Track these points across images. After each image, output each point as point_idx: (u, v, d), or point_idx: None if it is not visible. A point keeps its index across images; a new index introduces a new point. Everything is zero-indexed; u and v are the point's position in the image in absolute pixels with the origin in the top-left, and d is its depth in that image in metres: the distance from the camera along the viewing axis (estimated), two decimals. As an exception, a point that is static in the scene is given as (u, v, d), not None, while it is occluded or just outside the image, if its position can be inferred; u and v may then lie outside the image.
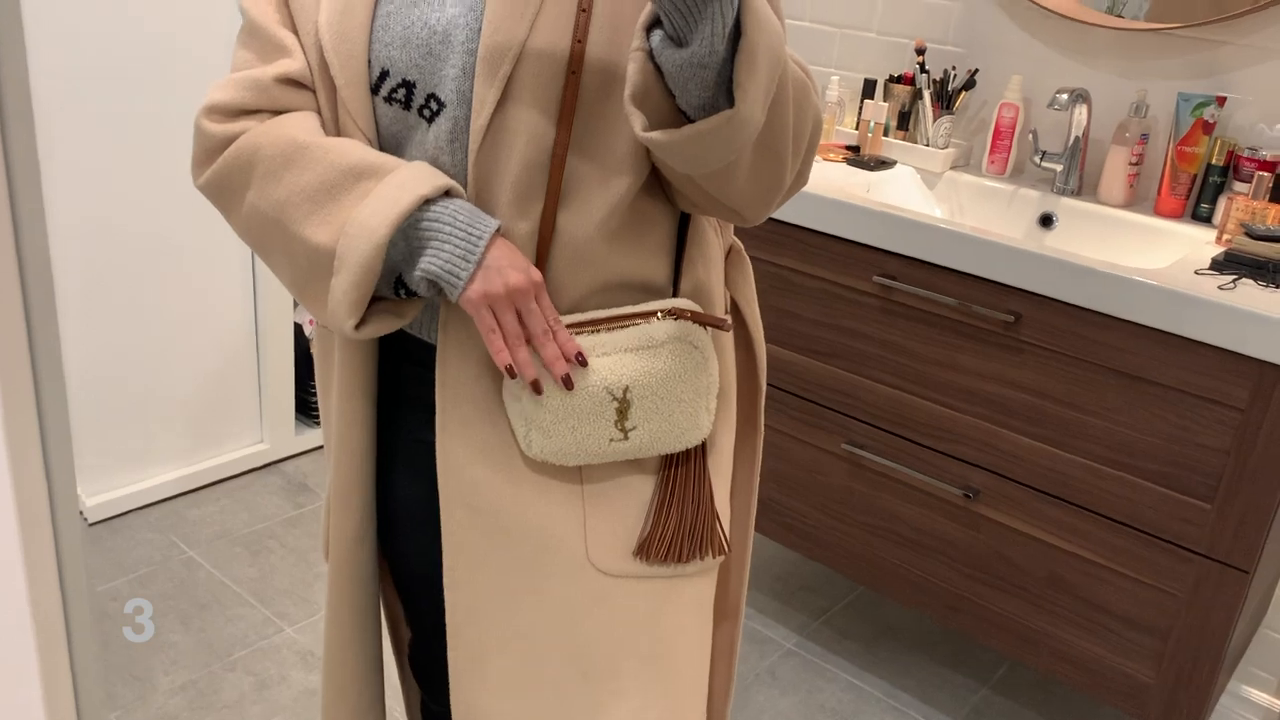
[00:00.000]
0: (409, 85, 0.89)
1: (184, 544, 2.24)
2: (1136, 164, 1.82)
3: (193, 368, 2.32)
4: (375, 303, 0.91)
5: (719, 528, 1.00)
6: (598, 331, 0.90)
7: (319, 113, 0.94)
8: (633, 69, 0.79)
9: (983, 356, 1.65)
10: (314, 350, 1.11)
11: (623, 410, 0.91)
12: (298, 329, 2.55)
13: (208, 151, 0.94)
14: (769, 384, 1.91)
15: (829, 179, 1.90)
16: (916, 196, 1.99)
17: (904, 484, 1.80)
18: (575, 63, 0.86)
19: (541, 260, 0.90)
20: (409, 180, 0.86)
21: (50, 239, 2.00)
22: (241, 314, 2.37)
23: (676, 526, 0.97)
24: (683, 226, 0.98)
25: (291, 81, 0.93)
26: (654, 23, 0.77)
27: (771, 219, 1.81)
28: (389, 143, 0.92)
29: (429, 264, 0.86)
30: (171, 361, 2.28)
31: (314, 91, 0.94)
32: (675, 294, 0.97)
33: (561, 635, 0.96)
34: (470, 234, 0.86)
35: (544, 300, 0.88)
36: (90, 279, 2.09)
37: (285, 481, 2.52)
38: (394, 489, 1.08)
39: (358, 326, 0.88)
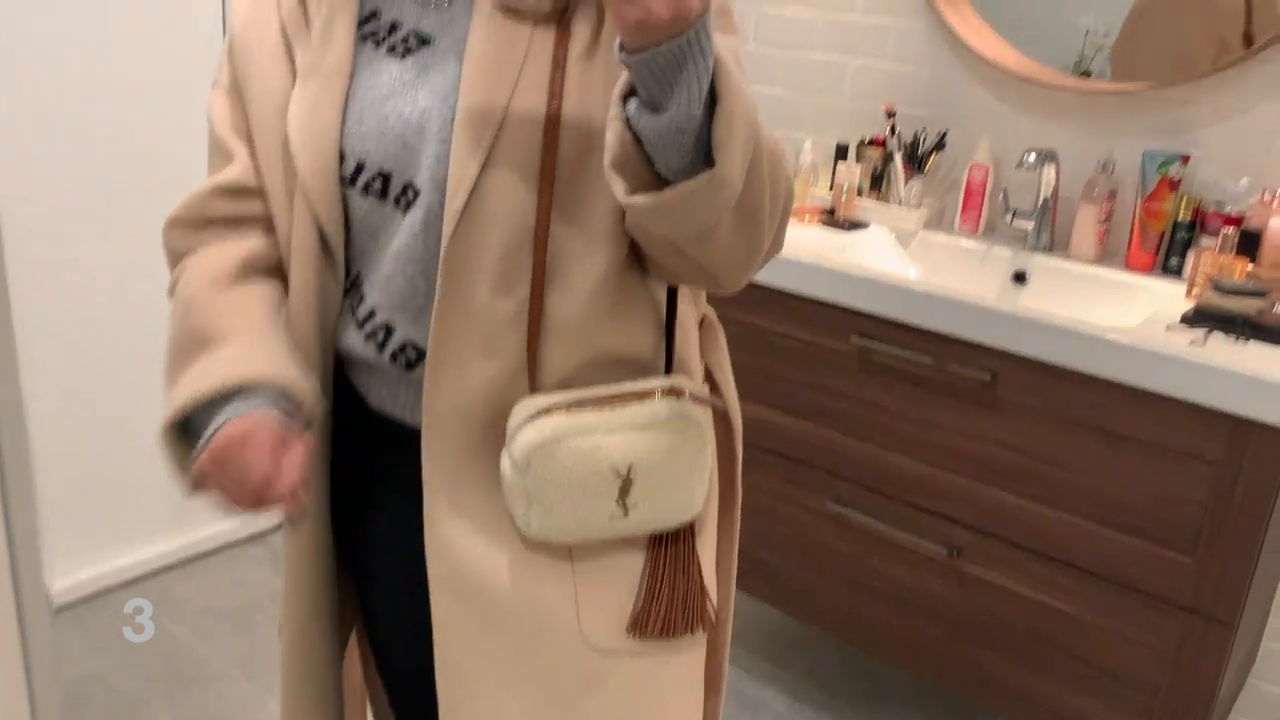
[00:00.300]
0: (385, 176, 0.91)
1: (169, 619, 2.22)
2: (1106, 221, 1.85)
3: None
4: None
5: (708, 601, 1.00)
6: (601, 409, 0.90)
7: (264, 211, 0.98)
8: (611, 137, 0.80)
9: (962, 414, 1.67)
10: None
11: (625, 488, 0.92)
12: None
13: (170, 262, 1.00)
14: (755, 444, 1.93)
15: (805, 241, 1.93)
16: (891, 256, 2.02)
17: (889, 542, 1.80)
18: (552, 126, 0.87)
19: (532, 341, 0.90)
20: (197, 379, 0.88)
21: (28, 302, 2.01)
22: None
23: (669, 602, 0.97)
24: (670, 299, 0.99)
25: (229, 191, 0.97)
26: (630, 91, 0.79)
27: (751, 281, 1.84)
28: (363, 233, 0.94)
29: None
30: (154, 432, 2.28)
31: (258, 190, 0.97)
32: (668, 369, 0.98)
33: (558, 718, 0.96)
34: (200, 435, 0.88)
35: (249, 453, 0.86)
36: (69, 349, 2.09)
37: (270, 553, 2.50)
38: (373, 571, 1.08)
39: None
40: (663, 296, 0.98)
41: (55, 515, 2.16)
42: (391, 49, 0.93)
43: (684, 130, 0.76)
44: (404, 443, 0.99)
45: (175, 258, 0.99)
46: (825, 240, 1.96)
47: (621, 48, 0.76)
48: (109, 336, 2.14)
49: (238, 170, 0.96)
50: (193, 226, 0.98)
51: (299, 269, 0.96)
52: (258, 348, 0.91)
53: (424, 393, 0.92)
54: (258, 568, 2.43)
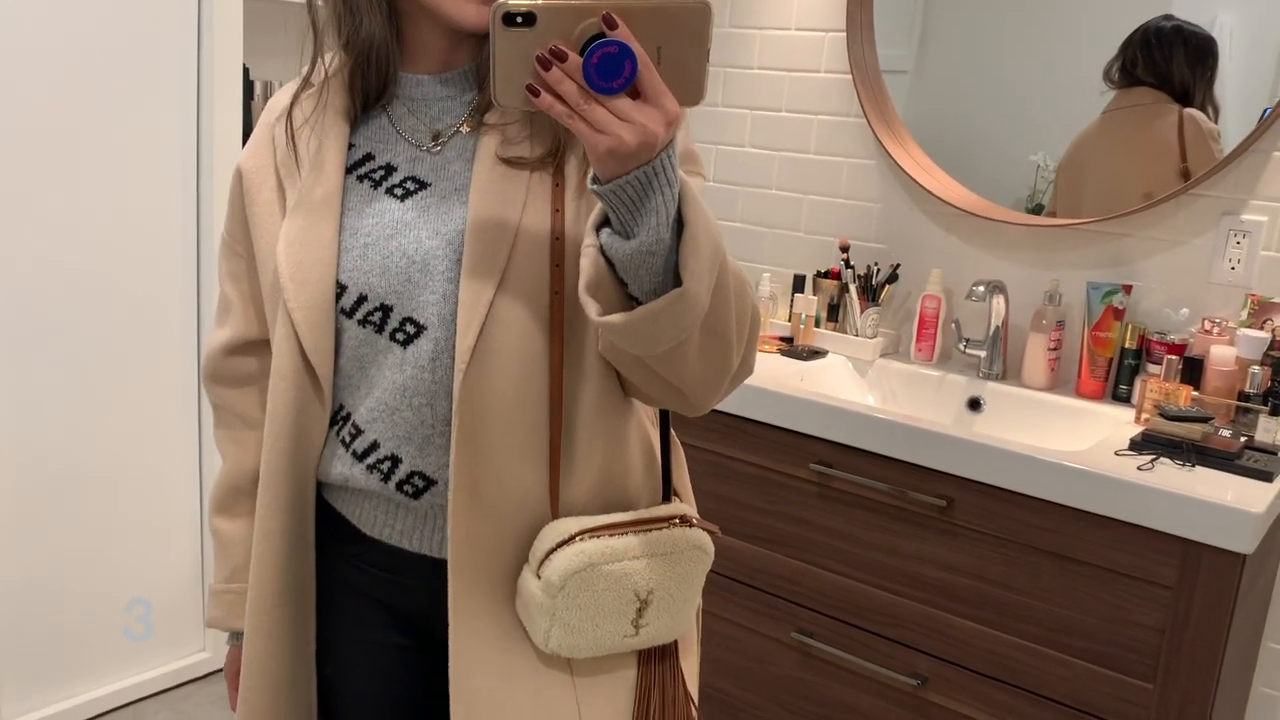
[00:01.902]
0: (386, 309, 0.96)
1: (116, 762, 2.14)
2: (1055, 349, 1.90)
3: (132, 576, 2.28)
4: None
5: (693, 706, 1.06)
6: (621, 535, 0.95)
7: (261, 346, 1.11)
8: (585, 263, 0.85)
9: (920, 540, 1.68)
10: None
11: (641, 610, 0.97)
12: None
13: (215, 377, 1.16)
14: (718, 572, 1.92)
15: (764, 369, 1.97)
16: (849, 384, 2.06)
17: (854, 672, 1.78)
18: (557, 264, 0.93)
19: (554, 467, 0.95)
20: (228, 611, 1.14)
21: (-7, 449, 2.00)
22: (186, 521, 2.35)
23: (660, 711, 1.03)
24: (664, 425, 1.05)
25: (227, 349, 1.12)
26: (603, 221, 0.85)
27: (712, 408, 1.86)
28: (351, 362, 0.99)
29: None
30: (110, 569, 2.24)
31: (254, 341, 1.10)
32: (665, 492, 1.04)
33: None
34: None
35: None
36: (22, 483, 2.07)
37: (225, 693, 2.43)
38: (348, 688, 1.08)
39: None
40: (654, 421, 1.05)
41: (4, 653, 2.11)
42: (390, 190, 0.98)
43: (654, 253, 0.82)
44: (395, 570, 1.03)
45: (229, 382, 1.15)
46: (784, 368, 2.00)
47: (594, 180, 0.83)
48: (70, 471, 2.12)
49: (232, 327, 1.10)
50: (215, 382, 1.15)
51: (279, 396, 0.99)
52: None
53: (450, 523, 0.94)
54: (210, 707, 2.36)
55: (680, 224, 0.83)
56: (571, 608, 0.93)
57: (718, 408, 1.86)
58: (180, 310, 2.20)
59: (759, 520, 1.85)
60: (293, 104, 1.02)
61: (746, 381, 1.81)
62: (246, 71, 2.19)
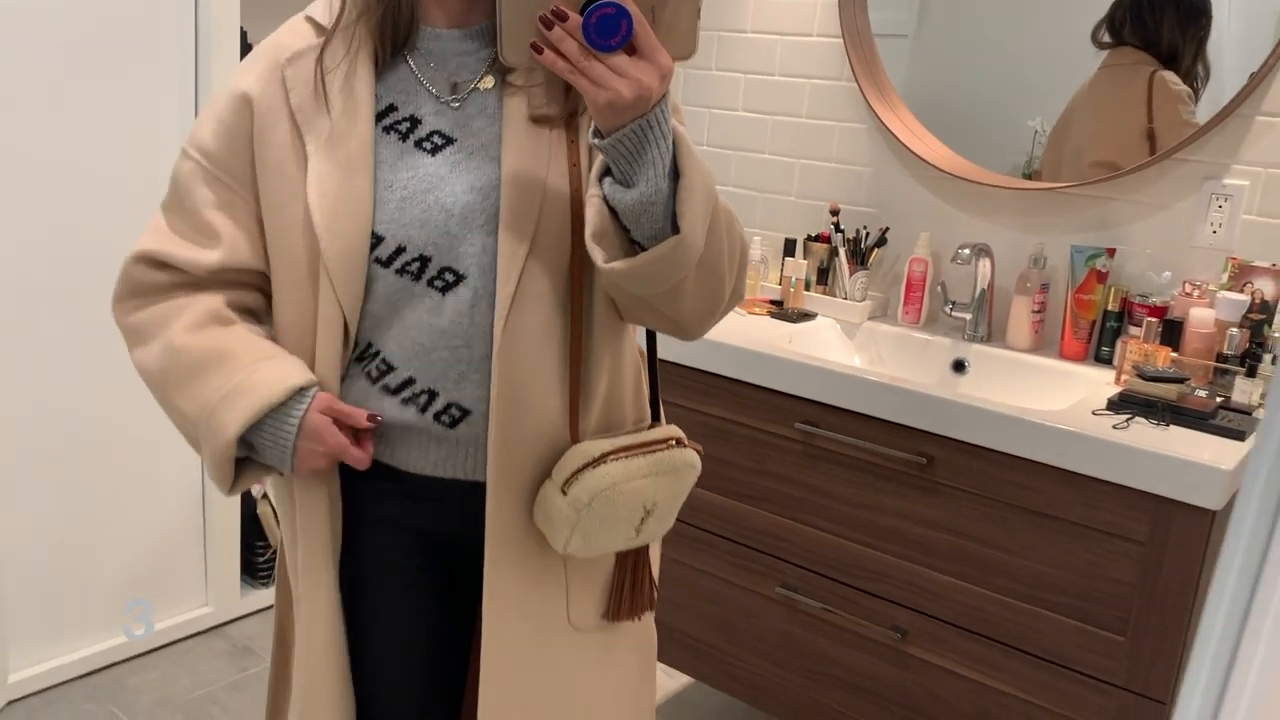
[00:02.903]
0: (424, 259, 1.04)
1: (122, 713, 2.20)
2: (1039, 311, 1.93)
3: (135, 530, 2.33)
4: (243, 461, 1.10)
5: (654, 590, 1.23)
6: (634, 456, 1.07)
7: (253, 285, 1.12)
8: (591, 212, 0.95)
9: (901, 498, 1.72)
10: (272, 498, 1.25)
11: (644, 519, 1.10)
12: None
13: (131, 292, 1.12)
14: (706, 529, 1.96)
15: (754, 331, 2.00)
16: (836, 346, 2.09)
17: (836, 626, 1.82)
18: (577, 216, 1.02)
19: (574, 396, 1.07)
20: (249, 389, 1.04)
21: (-3, 406, 2.04)
22: (187, 475, 2.40)
23: (631, 595, 1.18)
24: (650, 349, 1.19)
25: (218, 271, 1.09)
26: (605, 171, 0.94)
27: (700, 370, 1.89)
28: (383, 305, 1.06)
29: (263, 461, 1.09)
30: (114, 524, 2.29)
31: (242, 270, 1.10)
32: (654, 413, 1.18)
33: (554, 677, 1.15)
34: (282, 443, 1.05)
35: (341, 441, 1.06)
36: (28, 443, 2.12)
37: (230, 645, 2.49)
38: (381, 628, 1.19)
39: (232, 487, 1.09)
40: (641, 349, 1.18)
41: (9, 608, 2.16)
42: (419, 144, 1.05)
43: (653, 202, 0.92)
44: (433, 496, 1.13)
45: (144, 288, 1.11)
46: (773, 330, 2.03)
47: (596, 133, 0.91)
48: (71, 429, 2.17)
49: (221, 253, 1.09)
50: (173, 270, 1.10)
51: (306, 337, 1.08)
52: (287, 358, 1.07)
53: (489, 448, 1.06)
54: (215, 660, 2.42)
55: (676, 173, 0.92)
56: (593, 521, 1.05)
57: (705, 368, 1.89)
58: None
59: (746, 479, 1.89)
60: (323, 49, 1.06)
61: (734, 343, 1.85)
62: (244, 34, 2.21)
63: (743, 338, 1.90)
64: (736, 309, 2.14)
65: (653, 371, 1.18)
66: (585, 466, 1.05)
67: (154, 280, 1.11)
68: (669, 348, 1.87)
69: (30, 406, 2.08)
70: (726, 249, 1.01)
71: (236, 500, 2.47)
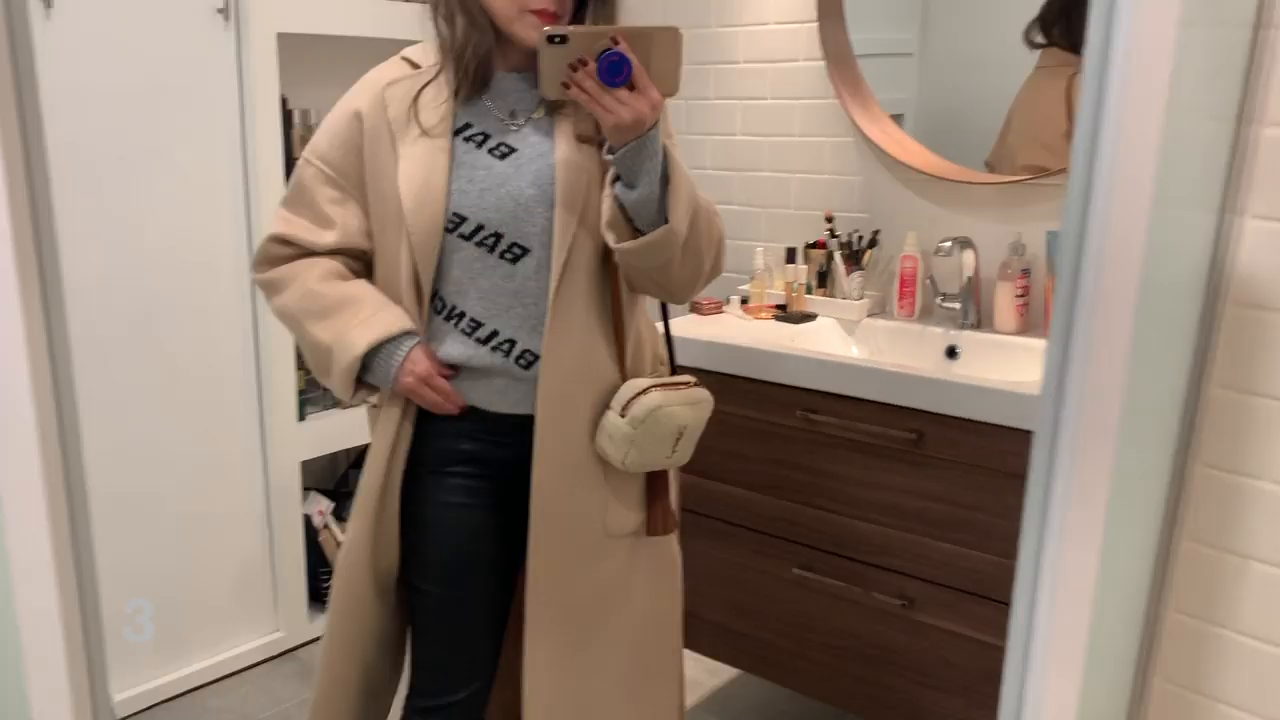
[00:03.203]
0: (498, 235, 1.38)
1: (204, 728, 2.37)
2: (1023, 296, 2.06)
3: (210, 563, 2.52)
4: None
5: (673, 512, 1.56)
6: (674, 389, 1.43)
7: (358, 259, 1.48)
8: (605, 206, 1.33)
9: (897, 474, 1.85)
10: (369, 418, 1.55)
11: (677, 441, 1.45)
12: (306, 520, 2.76)
13: (265, 260, 1.49)
14: (724, 519, 2.11)
15: (759, 333, 2.15)
16: (838, 342, 2.23)
17: (849, 600, 1.95)
18: (601, 183, 1.36)
19: (620, 341, 1.44)
20: (374, 322, 1.40)
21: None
22: (255, 512, 2.59)
23: (663, 514, 1.53)
24: (664, 310, 1.58)
25: (334, 250, 1.46)
26: (615, 177, 1.31)
27: (710, 371, 2.05)
28: (463, 273, 1.40)
29: (372, 380, 1.44)
30: (191, 557, 2.48)
31: (350, 250, 1.46)
32: (671, 359, 1.58)
33: (591, 576, 1.48)
34: (390, 364, 1.41)
35: (430, 370, 1.42)
36: (116, 481, 2.33)
37: (300, 667, 2.66)
38: (434, 548, 1.50)
39: (353, 395, 1.45)
40: (657, 309, 1.56)
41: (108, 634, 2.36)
42: (491, 151, 1.40)
43: (650, 200, 1.29)
44: (504, 431, 1.45)
45: (278, 259, 1.48)
46: (778, 332, 2.18)
47: (609, 150, 1.29)
48: (150, 479, 2.37)
49: (336, 235, 1.45)
50: (300, 249, 1.47)
51: (393, 294, 1.42)
52: (398, 308, 1.43)
53: (540, 379, 1.39)
54: (288, 681, 2.59)
55: (667, 180, 1.29)
56: (646, 436, 1.40)
57: (716, 369, 2.04)
58: (238, 322, 2.45)
59: (757, 469, 2.04)
60: (425, 86, 1.41)
61: (741, 343, 2.01)
62: (284, 101, 2.44)
63: (749, 338, 2.06)
64: (743, 314, 2.31)
65: (668, 334, 1.57)
66: (637, 395, 1.40)
67: (283, 253, 1.47)
68: (680, 353, 2.03)
69: (115, 446, 2.29)
70: (705, 236, 1.39)
71: (301, 531, 2.66)
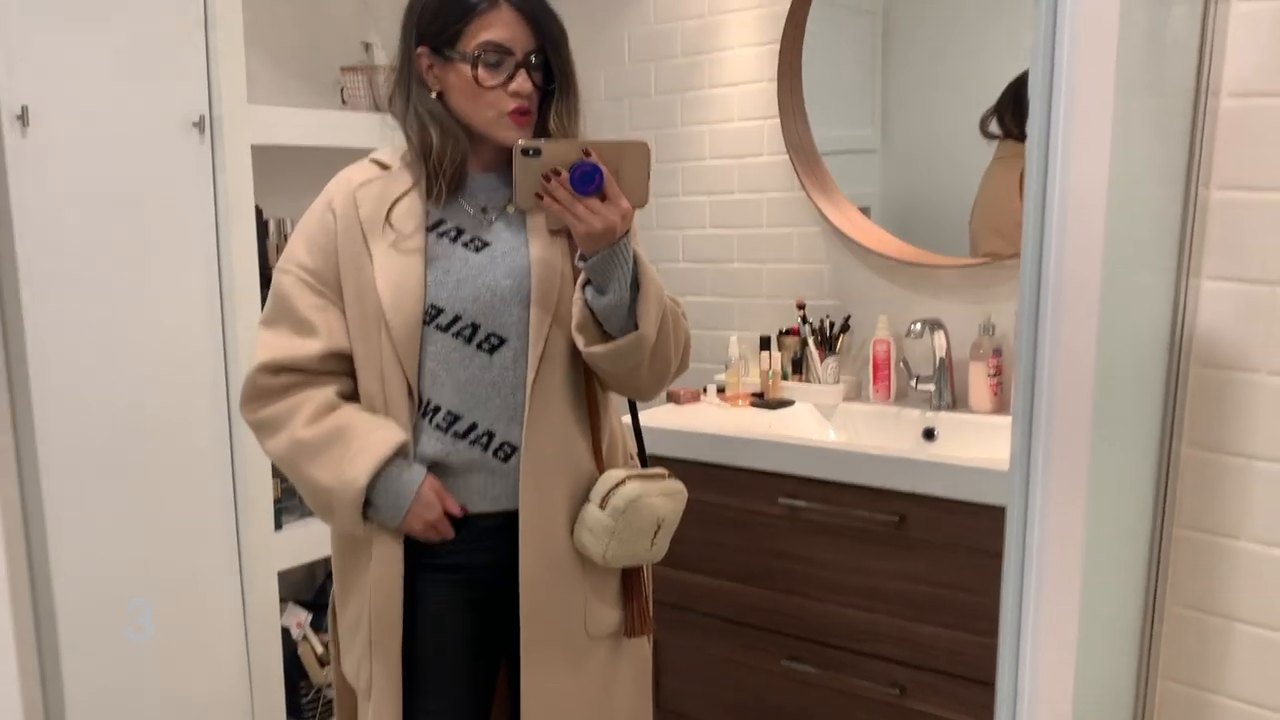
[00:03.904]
0: (475, 326, 1.39)
1: None
2: (995, 375, 2.07)
3: (186, 674, 2.45)
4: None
5: (648, 601, 1.55)
6: (651, 479, 1.43)
7: (349, 360, 1.44)
8: (575, 310, 1.35)
9: (881, 558, 1.83)
10: (334, 558, 1.53)
11: (657, 531, 1.44)
12: (284, 632, 2.70)
13: (255, 396, 1.43)
14: (708, 612, 2.07)
15: (737, 421, 2.15)
16: (815, 427, 2.23)
17: (841, 691, 1.91)
18: (573, 281, 1.38)
19: (596, 432, 1.44)
20: (369, 448, 1.36)
21: (52, 579, 2.21)
22: (231, 625, 2.53)
23: (638, 612, 1.51)
24: (632, 406, 1.58)
25: (324, 357, 1.42)
26: (586, 281, 1.33)
27: (689, 460, 2.04)
28: (439, 365, 1.40)
29: (379, 517, 1.41)
30: (167, 669, 2.41)
31: (337, 354, 1.42)
32: (641, 453, 1.57)
33: (577, 678, 1.45)
34: (399, 503, 1.38)
35: (441, 515, 1.41)
36: (86, 603, 2.27)
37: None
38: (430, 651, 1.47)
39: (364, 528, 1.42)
40: (625, 401, 1.55)
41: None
42: (465, 245, 1.41)
43: (620, 305, 1.32)
44: (485, 528, 1.43)
45: (270, 391, 1.43)
46: (755, 419, 2.18)
47: (581, 257, 1.32)
48: (126, 594, 2.32)
49: (322, 341, 1.42)
50: (291, 370, 1.42)
51: (378, 393, 1.40)
52: (390, 423, 1.40)
53: (521, 471, 1.39)
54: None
55: (637, 285, 1.32)
56: (626, 527, 1.39)
57: (695, 458, 2.03)
58: (210, 431, 2.43)
59: (740, 559, 2.01)
60: (400, 197, 1.43)
61: (719, 431, 2.01)
62: (259, 211, 2.48)
63: (726, 427, 2.06)
64: (720, 402, 2.31)
65: (636, 428, 1.58)
66: (616, 485, 1.40)
67: (273, 384, 1.42)
68: (659, 444, 2.02)
69: (85, 557, 2.25)
70: (672, 339, 1.41)
71: (279, 643, 2.60)
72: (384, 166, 1.47)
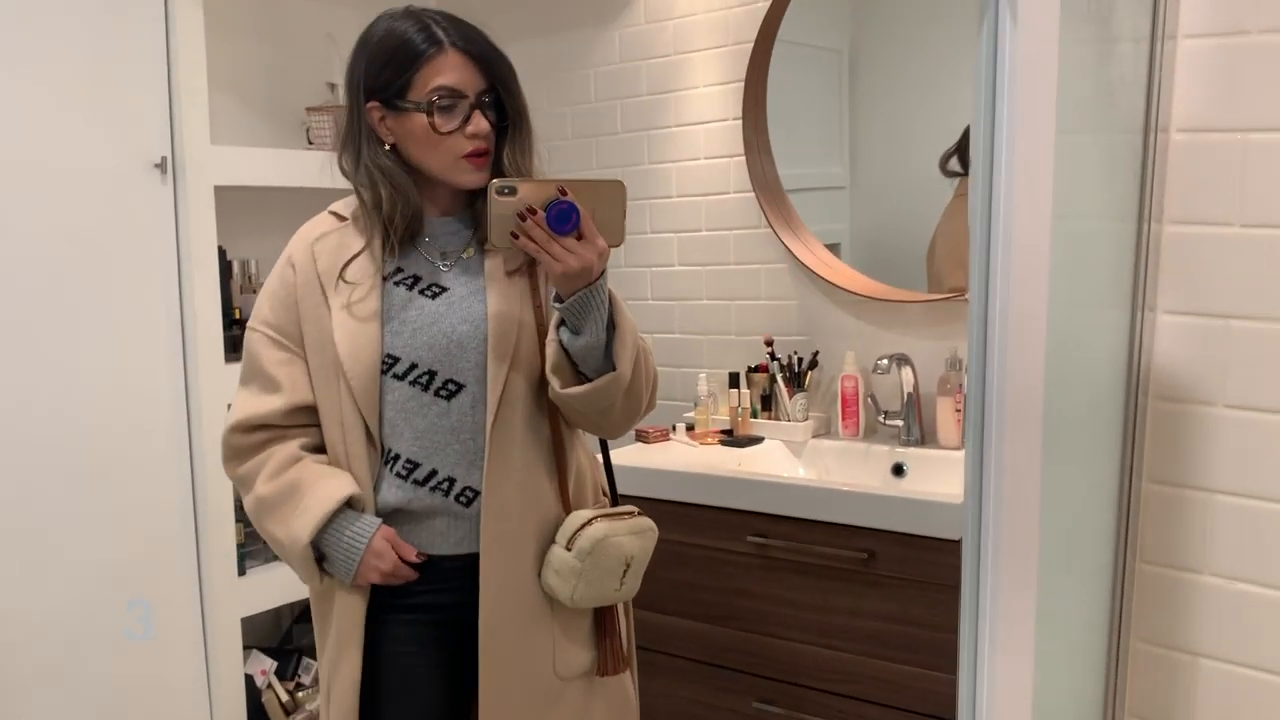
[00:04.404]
0: (432, 373, 1.38)
1: None
2: (961, 410, 2.07)
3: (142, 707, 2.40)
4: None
5: (625, 654, 1.52)
6: (618, 518, 1.42)
7: (309, 412, 1.44)
8: (550, 352, 1.33)
9: (851, 595, 1.81)
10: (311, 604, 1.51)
11: (625, 571, 1.42)
12: (248, 680, 2.65)
13: (231, 456, 1.45)
14: (678, 654, 2.04)
15: (706, 459, 2.14)
16: (784, 464, 2.22)
17: (812, 732, 1.88)
18: (542, 340, 1.37)
19: (563, 475, 1.43)
20: (313, 503, 1.36)
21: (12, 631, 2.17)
22: (194, 673, 2.48)
23: (610, 651, 1.48)
24: (603, 444, 1.55)
25: (288, 413, 1.43)
26: (560, 323, 1.32)
27: (660, 499, 2.02)
28: (397, 414, 1.40)
29: (334, 570, 1.40)
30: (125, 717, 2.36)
31: (302, 407, 1.42)
32: (612, 491, 1.54)
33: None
34: (350, 555, 1.37)
35: (397, 563, 1.39)
36: (44, 654, 2.22)
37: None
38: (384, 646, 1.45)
39: (321, 579, 1.42)
40: (594, 450, 1.55)
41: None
42: (422, 292, 1.41)
43: (597, 346, 1.30)
44: (449, 576, 1.41)
45: (247, 449, 1.44)
46: (725, 456, 2.17)
47: (557, 299, 1.30)
48: (87, 655, 2.27)
49: (285, 396, 1.42)
50: (262, 428, 1.43)
51: (339, 442, 1.40)
52: (341, 475, 1.40)
53: (481, 518, 1.37)
54: None
55: (613, 326, 1.31)
56: (593, 568, 1.38)
57: (665, 498, 2.01)
58: (176, 476, 2.39)
59: (710, 599, 1.99)
60: (355, 254, 1.43)
61: (687, 469, 2.00)
62: (223, 252, 2.46)
63: (694, 464, 2.04)
64: (690, 440, 2.30)
65: (608, 464, 1.55)
66: (582, 526, 1.39)
67: (246, 442, 1.44)
68: (627, 483, 2.00)
69: (43, 606, 2.20)
70: (645, 379, 1.40)
71: (242, 692, 2.54)
72: (341, 218, 1.48)
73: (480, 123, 1.37)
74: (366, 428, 1.39)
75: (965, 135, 2.10)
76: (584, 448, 1.52)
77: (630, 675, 1.57)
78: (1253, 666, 1.21)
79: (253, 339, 1.46)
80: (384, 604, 1.44)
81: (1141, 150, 1.16)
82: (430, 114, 1.35)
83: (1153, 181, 1.16)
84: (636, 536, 1.44)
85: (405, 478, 1.40)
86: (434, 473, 1.40)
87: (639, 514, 1.47)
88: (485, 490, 1.37)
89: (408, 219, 1.41)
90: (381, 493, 1.41)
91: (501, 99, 1.40)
